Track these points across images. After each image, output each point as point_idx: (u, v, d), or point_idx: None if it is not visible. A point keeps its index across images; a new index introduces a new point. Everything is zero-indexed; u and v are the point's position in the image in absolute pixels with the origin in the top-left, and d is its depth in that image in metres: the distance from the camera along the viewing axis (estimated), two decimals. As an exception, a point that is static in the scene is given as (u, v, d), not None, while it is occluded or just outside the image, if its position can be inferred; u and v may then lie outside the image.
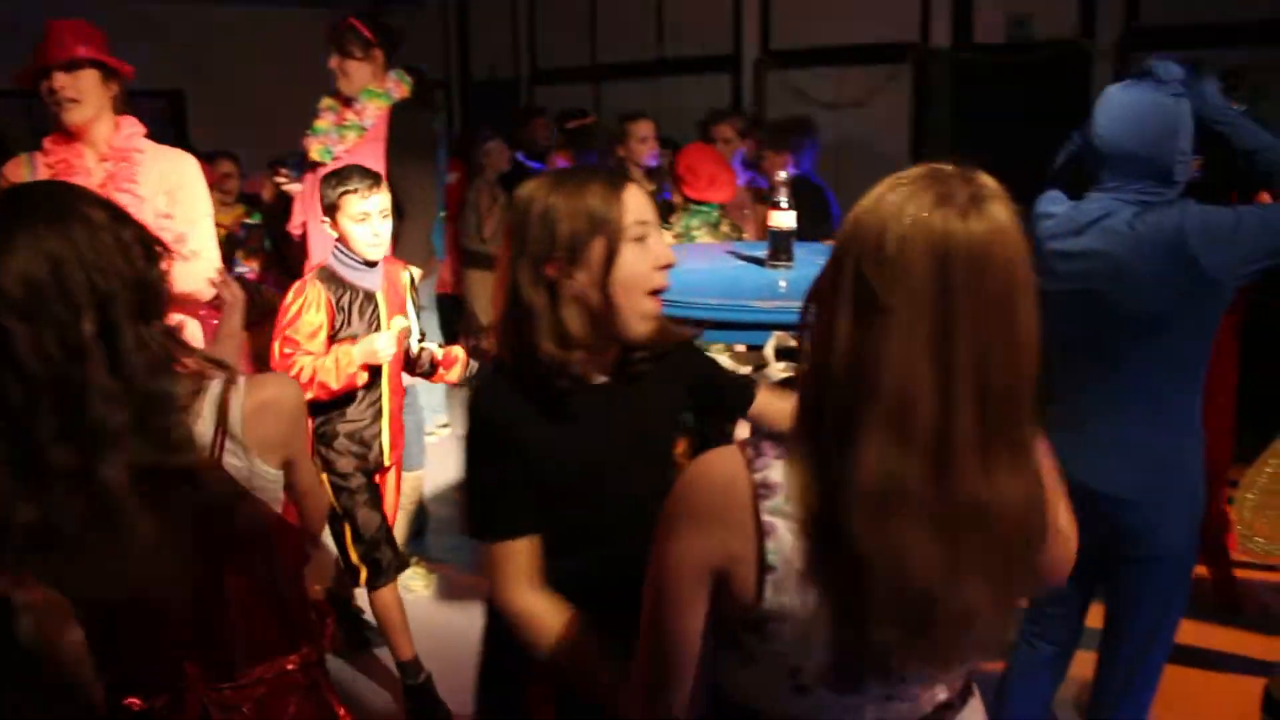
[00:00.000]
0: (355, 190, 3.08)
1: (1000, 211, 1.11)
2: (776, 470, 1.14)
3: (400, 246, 3.93)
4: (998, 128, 8.05)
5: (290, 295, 3.09)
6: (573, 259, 1.61)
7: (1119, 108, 2.25)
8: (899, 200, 1.11)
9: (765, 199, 3.10)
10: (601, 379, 1.72)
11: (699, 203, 4.12)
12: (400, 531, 4.35)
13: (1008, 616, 1.19)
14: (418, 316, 3.37)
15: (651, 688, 1.25)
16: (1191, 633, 3.46)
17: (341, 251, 3.14)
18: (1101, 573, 2.43)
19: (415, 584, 4.20)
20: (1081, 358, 2.28)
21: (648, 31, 10.01)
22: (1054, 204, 2.38)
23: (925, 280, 1.05)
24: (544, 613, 1.61)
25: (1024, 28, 7.95)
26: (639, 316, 1.63)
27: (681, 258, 3.55)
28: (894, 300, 1.05)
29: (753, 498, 1.13)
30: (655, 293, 1.66)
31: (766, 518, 1.12)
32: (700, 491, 1.17)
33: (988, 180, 1.15)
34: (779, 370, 2.70)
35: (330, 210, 3.12)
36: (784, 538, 1.12)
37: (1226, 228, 2.14)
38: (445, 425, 5.93)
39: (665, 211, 4.19)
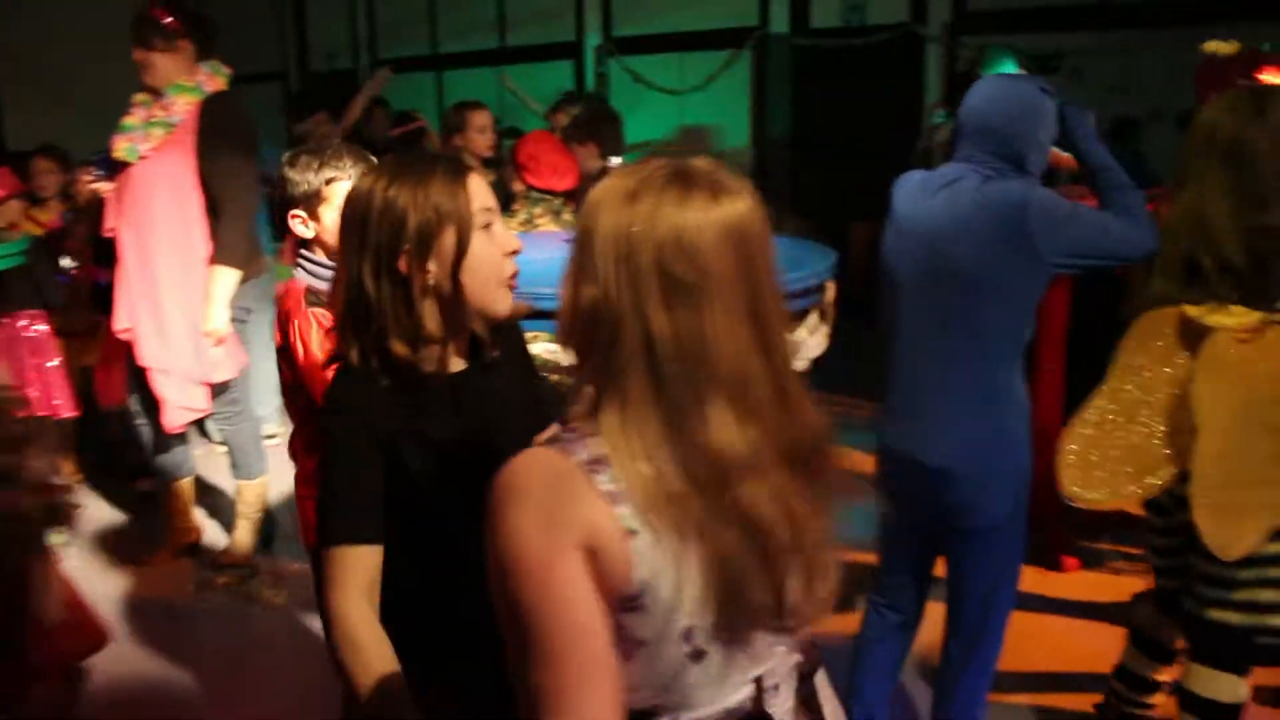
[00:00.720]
0: (348, 176, 2.34)
1: (748, 190, 1.20)
2: (595, 447, 1.15)
3: (219, 248, 3.76)
4: (836, 109, 8.25)
5: (299, 332, 2.25)
6: (424, 251, 1.59)
7: (993, 90, 2.36)
8: (661, 196, 1.15)
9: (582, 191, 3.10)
10: (457, 368, 1.70)
11: (542, 191, 4.07)
12: (246, 541, 4.21)
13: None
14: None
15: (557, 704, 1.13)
16: (1036, 583, 3.63)
17: (311, 258, 2.34)
18: (938, 542, 2.50)
19: (267, 593, 4.05)
20: (919, 318, 2.36)
21: (490, 20, 9.90)
22: (912, 175, 2.46)
23: (730, 262, 1.13)
24: (364, 633, 1.54)
25: (859, 12, 8.14)
26: (493, 304, 1.64)
27: (524, 247, 3.55)
28: (709, 284, 1.12)
29: (586, 474, 1.13)
30: (509, 278, 1.67)
31: (607, 488, 1.12)
32: (534, 478, 1.15)
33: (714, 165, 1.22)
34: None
35: (308, 201, 2.34)
36: (634, 502, 1.12)
37: (1063, 215, 2.24)
38: (273, 436, 5.55)
39: (506, 200, 4.12)
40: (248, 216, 3.82)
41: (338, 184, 2.31)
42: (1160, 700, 2.77)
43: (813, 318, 2.68)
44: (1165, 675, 2.73)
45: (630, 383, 1.14)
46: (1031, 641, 3.36)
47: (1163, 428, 2.30)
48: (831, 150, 8.20)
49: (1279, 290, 2.20)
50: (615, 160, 4.56)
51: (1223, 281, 2.25)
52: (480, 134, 4.89)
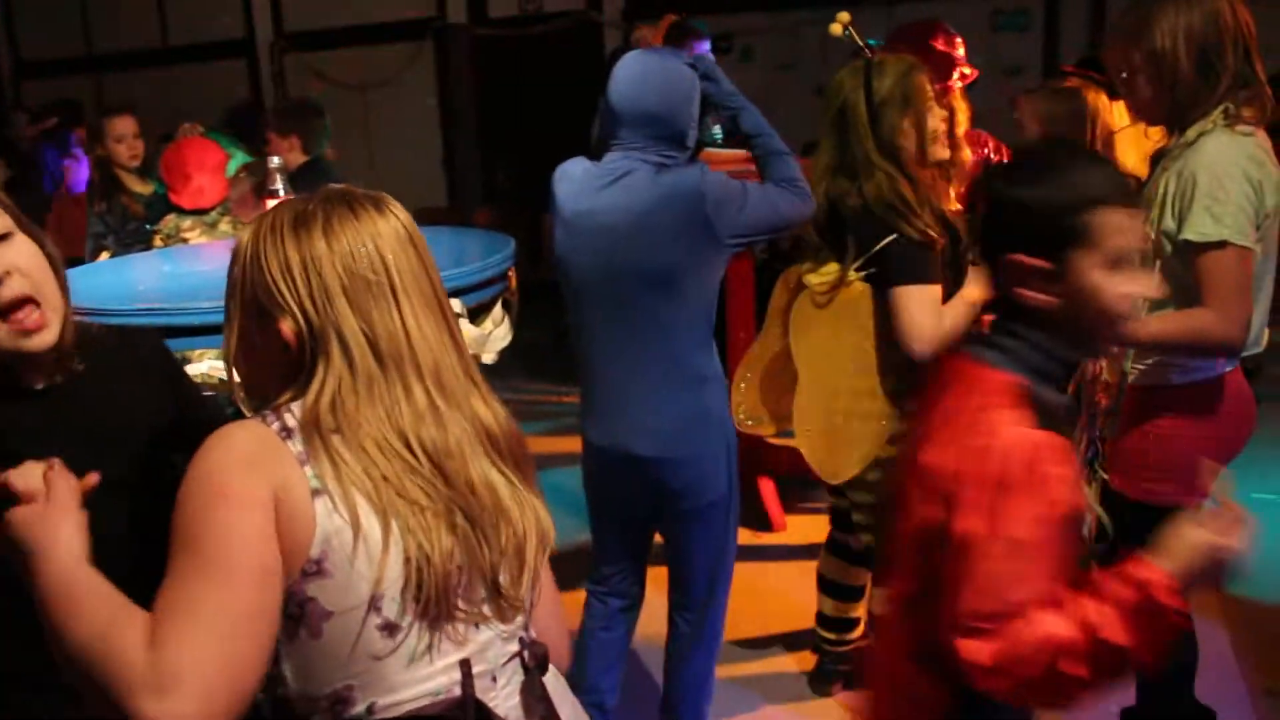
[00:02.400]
0: None
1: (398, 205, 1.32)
2: (290, 418, 1.21)
3: None
4: (519, 97, 8.28)
5: None
6: None
7: (639, 71, 2.27)
8: (331, 216, 1.24)
9: (265, 190, 2.92)
10: (40, 384, 1.55)
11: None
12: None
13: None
14: None
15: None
16: (751, 546, 3.78)
17: None
18: (656, 527, 2.53)
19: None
20: (604, 316, 2.32)
21: (150, 17, 9.24)
22: (574, 166, 2.37)
23: (410, 262, 1.25)
24: None
25: (534, 1, 8.18)
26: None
27: (170, 261, 3.32)
28: (398, 282, 1.23)
29: (280, 438, 1.19)
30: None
31: (298, 448, 1.18)
32: (239, 434, 1.20)
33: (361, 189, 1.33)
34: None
35: None
36: (321, 466, 1.16)
37: (737, 196, 2.24)
38: None
39: (162, 211, 3.82)
40: None
41: None
42: (861, 631, 2.98)
43: (497, 309, 2.66)
44: (860, 610, 2.94)
45: (341, 391, 1.20)
46: (754, 606, 3.50)
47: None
48: (518, 139, 8.22)
49: (860, 251, 2.39)
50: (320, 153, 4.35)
51: (816, 239, 2.47)
52: (119, 143, 4.41)
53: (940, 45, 3.11)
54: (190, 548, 1.12)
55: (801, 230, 2.48)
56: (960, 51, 3.15)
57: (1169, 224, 2.07)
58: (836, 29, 2.84)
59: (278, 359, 1.22)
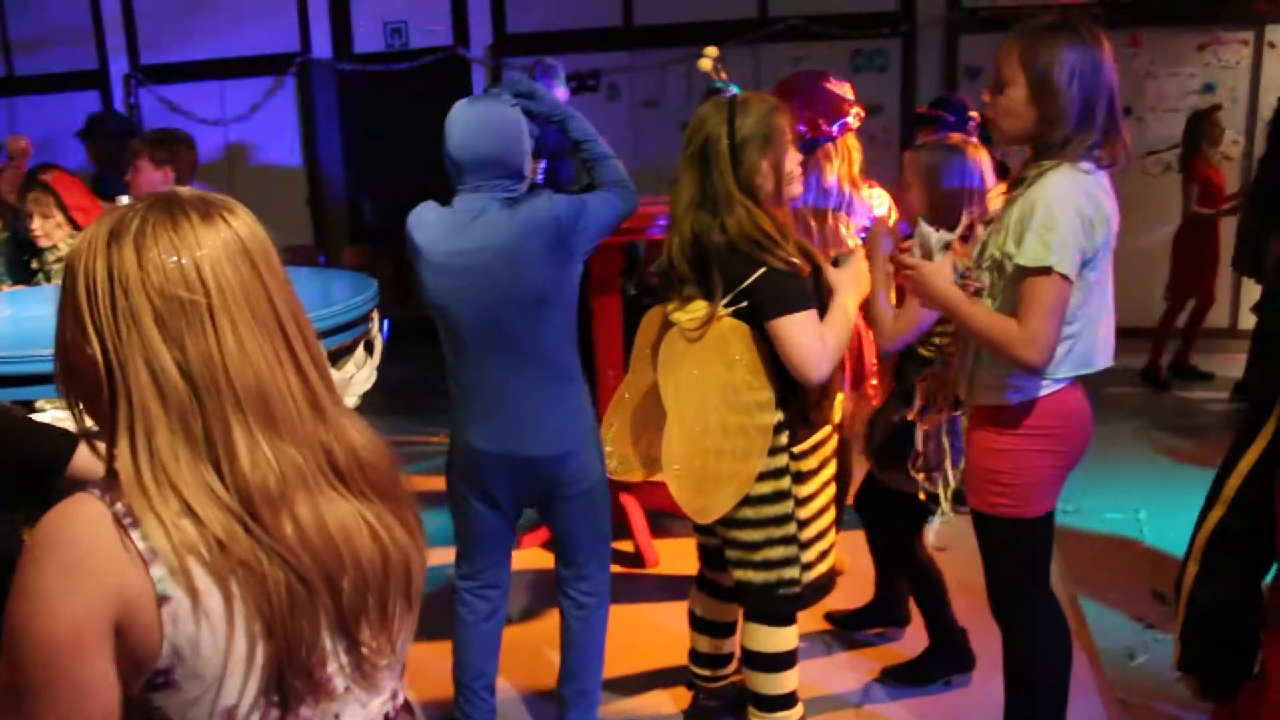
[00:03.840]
0: None
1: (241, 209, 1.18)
2: (124, 502, 1.06)
3: None
4: (387, 134, 8.19)
5: None
6: None
7: (471, 120, 2.45)
8: (146, 229, 1.09)
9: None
10: None
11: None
12: None
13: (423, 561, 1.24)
14: None
15: None
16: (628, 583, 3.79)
17: None
18: (544, 516, 2.76)
19: None
20: (485, 342, 2.50)
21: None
22: (427, 213, 2.52)
23: (238, 277, 1.10)
24: None
25: (401, 36, 8.13)
26: None
27: (10, 304, 3.18)
28: (217, 302, 1.08)
29: (119, 530, 1.04)
30: None
31: (141, 546, 1.03)
32: (64, 540, 1.04)
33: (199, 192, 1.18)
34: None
35: None
36: (168, 561, 1.03)
37: (580, 210, 2.47)
38: None
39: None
40: None
41: None
42: (733, 668, 3.00)
43: (359, 352, 2.61)
44: (732, 645, 2.95)
45: (152, 428, 1.06)
46: (629, 643, 3.49)
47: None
48: (386, 176, 8.13)
49: (729, 287, 2.43)
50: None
51: (681, 277, 2.51)
52: None
53: (832, 87, 3.21)
54: (16, 689, 1.01)
55: (667, 267, 2.54)
56: (850, 94, 3.24)
57: (1010, 247, 2.21)
58: (705, 64, 2.92)
59: (98, 395, 1.08)
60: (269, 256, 1.15)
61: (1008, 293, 2.25)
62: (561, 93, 5.13)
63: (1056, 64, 2.15)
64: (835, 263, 2.60)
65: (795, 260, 2.43)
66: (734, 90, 2.57)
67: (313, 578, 1.10)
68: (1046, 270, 2.15)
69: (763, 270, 2.39)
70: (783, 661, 2.71)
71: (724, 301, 2.44)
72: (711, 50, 2.93)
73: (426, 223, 2.50)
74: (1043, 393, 2.30)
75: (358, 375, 2.55)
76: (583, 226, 2.46)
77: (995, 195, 2.77)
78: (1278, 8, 6.88)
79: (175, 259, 1.07)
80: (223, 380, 1.08)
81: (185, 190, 1.15)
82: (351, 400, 2.49)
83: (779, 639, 2.68)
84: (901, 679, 3.19)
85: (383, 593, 1.17)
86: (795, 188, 2.56)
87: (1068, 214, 2.14)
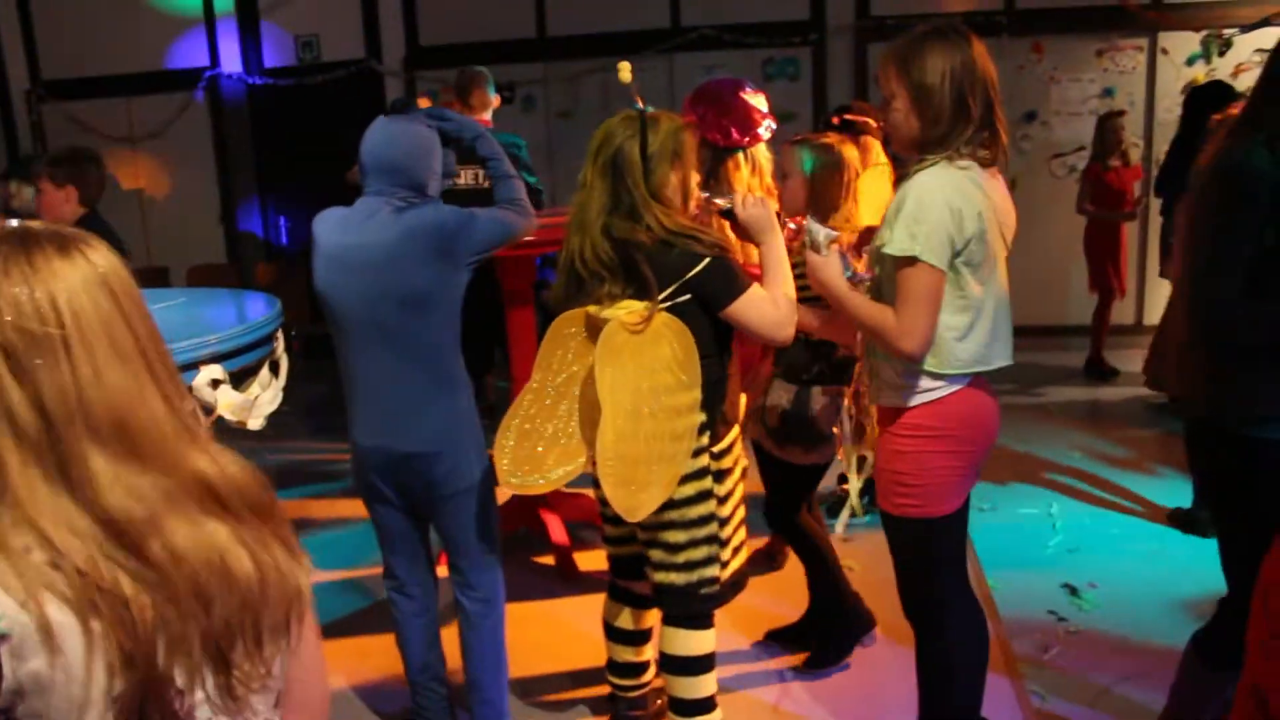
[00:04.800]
0: None
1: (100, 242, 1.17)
2: None
3: None
4: (300, 149, 8.09)
5: None
6: None
7: (383, 134, 2.68)
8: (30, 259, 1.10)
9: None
10: None
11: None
12: None
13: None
14: None
15: None
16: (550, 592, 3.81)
17: None
18: (426, 515, 2.83)
19: None
20: (367, 336, 2.64)
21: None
22: (330, 211, 2.72)
23: (96, 308, 1.10)
24: None
25: (313, 50, 8.04)
26: None
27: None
28: (74, 334, 1.08)
29: None
30: None
31: None
32: None
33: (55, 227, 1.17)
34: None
35: None
36: (14, 595, 1.01)
37: (469, 222, 2.65)
38: None
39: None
40: None
41: None
42: (652, 674, 3.01)
43: (264, 373, 2.57)
44: (649, 652, 2.97)
45: (4, 460, 1.05)
46: (549, 654, 3.49)
47: (577, 419, 2.59)
48: (300, 192, 8.04)
49: (667, 280, 2.46)
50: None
51: (600, 279, 2.52)
52: None
53: (746, 97, 3.25)
54: None
55: (577, 269, 2.56)
56: (764, 105, 3.28)
57: (885, 237, 2.28)
58: (625, 76, 2.96)
59: None
60: (129, 288, 1.15)
61: (887, 285, 2.33)
62: (492, 100, 5.26)
63: (929, 70, 2.23)
64: (727, 214, 2.67)
65: (723, 242, 2.53)
66: (644, 107, 2.60)
67: (185, 600, 1.08)
68: (913, 260, 2.22)
69: (707, 261, 2.45)
70: (702, 665, 2.74)
71: (663, 295, 2.46)
72: (626, 64, 2.97)
73: (326, 218, 2.71)
74: (941, 394, 2.34)
75: (263, 396, 2.50)
76: (467, 236, 2.63)
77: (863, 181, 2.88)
78: (1169, 17, 7.11)
79: (29, 292, 1.07)
80: (79, 412, 1.07)
81: (39, 225, 1.14)
82: (255, 422, 2.44)
83: (697, 642, 2.71)
84: (788, 641, 3.43)
85: (259, 614, 1.16)
86: (695, 204, 2.63)
87: (934, 205, 2.22)
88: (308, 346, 6.96)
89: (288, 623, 1.21)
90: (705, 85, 3.39)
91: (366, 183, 2.67)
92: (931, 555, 2.48)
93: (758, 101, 3.27)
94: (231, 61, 8.11)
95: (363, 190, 2.69)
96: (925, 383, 2.34)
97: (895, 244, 2.24)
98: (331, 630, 3.68)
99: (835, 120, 4.55)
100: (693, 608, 2.67)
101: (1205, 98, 5.31)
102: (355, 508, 2.89)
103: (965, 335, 2.31)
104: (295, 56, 8.07)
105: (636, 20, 7.55)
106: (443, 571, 2.97)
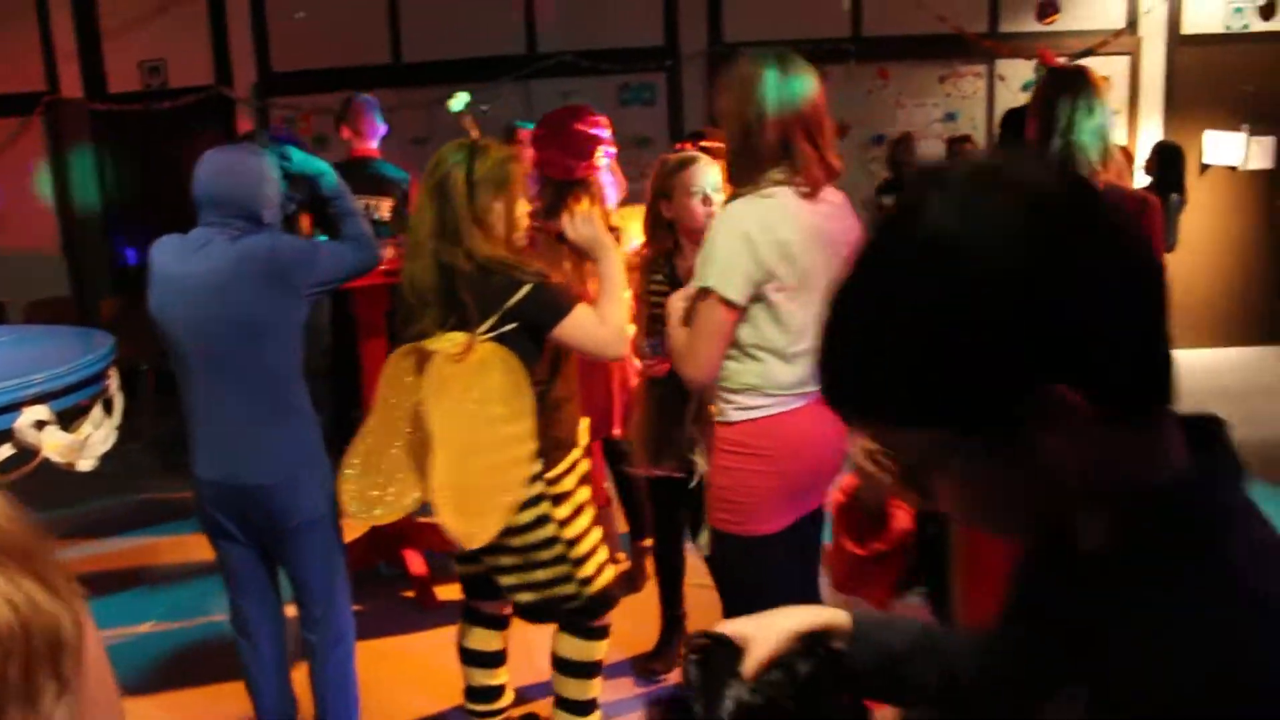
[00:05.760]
0: None
1: None
2: None
3: None
4: (147, 177, 7.84)
5: None
6: None
7: (214, 165, 2.68)
8: None
9: None
10: None
11: None
12: None
13: None
14: None
15: None
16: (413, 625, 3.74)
17: None
18: (272, 551, 2.78)
19: None
20: (203, 365, 2.62)
21: None
22: (167, 239, 2.71)
23: None
24: None
25: (159, 75, 7.81)
26: None
27: None
28: None
29: None
30: None
31: None
32: None
33: None
34: None
35: None
36: None
37: (308, 253, 2.71)
38: None
39: None
40: None
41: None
42: (509, 700, 3.01)
43: (96, 411, 2.49)
44: (504, 675, 2.98)
45: None
46: (408, 684, 3.44)
47: (415, 451, 2.56)
48: (148, 221, 7.77)
49: (488, 310, 2.47)
50: None
51: (426, 304, 2.54)
52: None
53: (580, 126, 3.26)
54: None
55: (407, 294, 2.59)
56: (605, 131, 3.29)
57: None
58: (457, 105, 2.98)
59: None
60: None
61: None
62: (380, 127, 5.24)
63: (721, 104, 2.33)
64: (560, 238, 2.73)
65: (544, 269, 2.57)
66: (475, 135, 2.64)
67: None
68: (706, 292, 2.28)
69: (527, 288, 2.47)
70: (588, 670, 2.85)
71: (486, 325, 2.46)
72: (461, 95, 3.00)
73: (163, 245, 2.69)
74: (765, 414, 2.36)
75: (95, 435, 2.43)
76: (307, 267, 2.65)
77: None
78: (1003, 46, 7.46)
79: None
80: None
81: None
82: (86, 463, 2.37)
83: (586, 649, 2.82)
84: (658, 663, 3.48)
85: (27, 664, 1.10)
86: (522, 234, 2.65)
87: (728, 238, 2.27)
88: (160, 381, 6.73)
89: (61, 670, 1.14)
90: (545, 118, 3.41)
91: (201, 214, 2.65)
92: (751, 574, 2.44)
93: (595, 129, 3.30)
94: (72, 86, 7.82)
95: (198, 221, 2.67)
96: (750, 400, 2.37)
97: (696, 276, 2.31)
98: (180, 678, 3.57)
99: (689, 146, 4.62)
100: (561, 620, 2.77)
101: (1017, 120, 5.58)
102: (208, 548, 2.80)
103: (790, 358, 2.33)
104: (141, 81, 7.82)
105: (493, 46, 7.56)
106: (292, 610, 2.90)
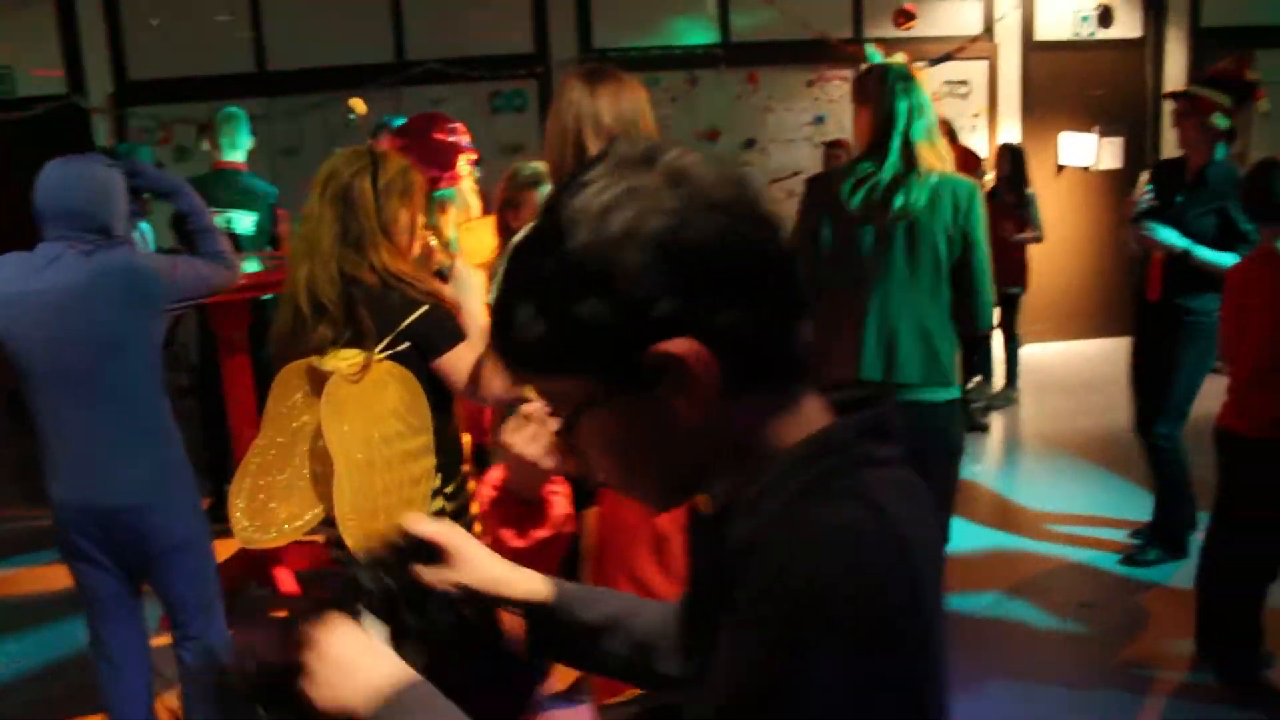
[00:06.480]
0: None
1: None
2: None
3: None
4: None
5: None
6: None
7: (58, 177, 2.57)
8: None
9: None
10: None
11: None
12: None
13: None
14: None
15: None
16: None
17: None
18: (136, 573, 2.71)
19: None
20: (59, 385, 2.54)
21: None
22: (7, 258, 2.60)
23: None
24: None
25: (6, 83, 7.49)
26: None
27: None
28: None
29: None
30: None
31: None
32: None
33: None
34: None
35: None
36: None
37: (167, 268, 2.67)
38: None
39: None
40: None
41: None
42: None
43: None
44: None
45: None
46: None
47: (309, 470, 2.46)
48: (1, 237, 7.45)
49: (384, 329, 2.39)
50: None
51: (320, 313, 2.40)
52: None
53: (441, 135, 3.21)
54: None
55: (299, 304, 2.42)
56: (463, 139, 3.23)
57: None
58: (361, 108, 2.94)
59: None
60: None
61: None
62: (246, 141, 5.12)
63: (565, 119, 2.16)
64: (440, 275, 2.66)
65: (443, 293, 2.48)
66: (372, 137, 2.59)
67: None
68: None
69: (423, 310, 2.39)
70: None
71: (382, 345, 2.40)
72: (358, 101, 2.96)
73: (5, 264, 2.58)
74: None
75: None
76: (168, 281, 2.62)
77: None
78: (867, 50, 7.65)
79: None
80: None
81: None
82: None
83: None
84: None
85: None
86: (419, 245, 2.59)
87: None
88: (13, 404, 6.38)
89: None
90: (401, 129, 3.35)
91: (46, 228, 2.56)
92: None
93: (454, 137, 3.25)
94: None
95: (42, 236, 2.58)
96: None
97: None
98: (42, 714, 3.45)
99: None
100: None
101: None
102: (67, 577, 2.69)
103: None
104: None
105: (360, 54, 7.44)
106: (161, 640, 2.81)
